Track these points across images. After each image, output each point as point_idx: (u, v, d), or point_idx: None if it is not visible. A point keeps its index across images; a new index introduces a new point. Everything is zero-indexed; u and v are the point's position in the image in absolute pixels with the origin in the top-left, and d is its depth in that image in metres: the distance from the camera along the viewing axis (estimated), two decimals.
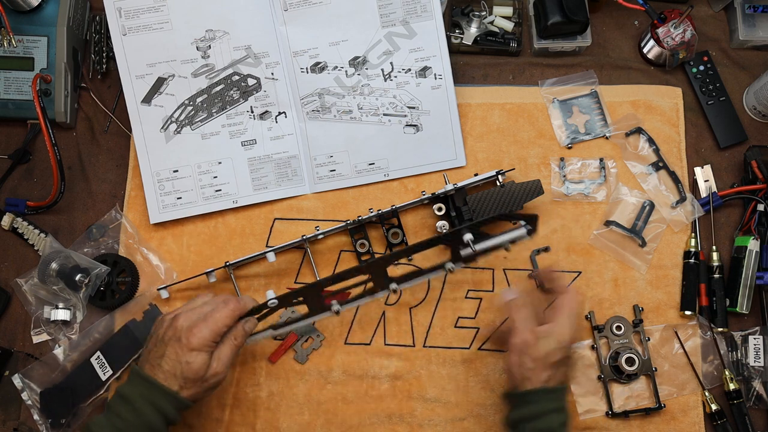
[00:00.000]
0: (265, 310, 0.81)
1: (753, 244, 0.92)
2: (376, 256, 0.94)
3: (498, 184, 0.93)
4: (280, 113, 0.97)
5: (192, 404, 0.74)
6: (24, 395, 0.89)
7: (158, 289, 0.91)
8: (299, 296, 0.82)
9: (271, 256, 0.91)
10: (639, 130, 0.98)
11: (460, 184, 0.92)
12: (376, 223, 0.95)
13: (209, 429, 0.89)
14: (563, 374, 0.76)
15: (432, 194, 0.94)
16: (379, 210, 0.94)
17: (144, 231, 0.96)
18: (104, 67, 1.00)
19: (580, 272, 0.94)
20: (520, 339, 0.76)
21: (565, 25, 0.98)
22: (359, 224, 0.94)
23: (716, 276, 0.93)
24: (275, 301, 0.80)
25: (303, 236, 0.92)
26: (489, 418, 0.90)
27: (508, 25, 1.02)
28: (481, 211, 0.91)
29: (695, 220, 0.95)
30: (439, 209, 0.93)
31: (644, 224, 0.95)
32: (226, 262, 0.91)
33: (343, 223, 0.93)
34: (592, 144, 0.99)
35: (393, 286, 0.83)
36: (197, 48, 0.95)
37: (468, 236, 0.82)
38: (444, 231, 0.91)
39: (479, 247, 0.82)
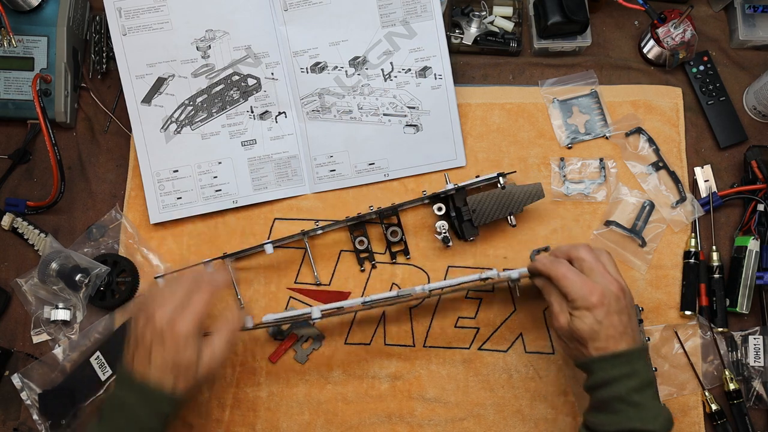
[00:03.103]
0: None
1: (753, 244, 0.92)
2: (375, 255, 0.95)
3: (499, 185, 0.93)
4: (280, 113, 0.97)
5: (189, 399, 0.72)
6: (23, 395, 0.88)
7: (156, 278, 0.91)
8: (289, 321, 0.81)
9: (269, 248, 0.91)
10: (639, 130, 0.98)
11: (461, 185, 0.92)
12: (376, 222, 0.95)
13: (209, 429, 0.89)
14: (621, 332, 0.72)
15: (432, 194, 0.94)
16: (379, 207, 0.94)
17: (144, 231, 0.96)
18: (104, 67, 1.00)
19: None
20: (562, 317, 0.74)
21: (565, 25, 0.98)
22: (359, 221, 0.94)
23: (716, 276, 0.93)
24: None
25: (302, 230, 0.92)
26: (489, 418, 0.90)
27: (508, 25, 1.02)
28: (482, 212, 0.91)
29: (695, 220, 0.95)
30: (439, 209, 0.93)
31: (644, 224, 0.95)
32: (224, 253, 0.91)
33: (343, 220, 0.93)
34: (592, 144, 0.99)
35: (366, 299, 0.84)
36: (197, 48, 0.95)
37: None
38: (443, 232, 0.91)
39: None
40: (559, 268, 0.75)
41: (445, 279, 0.94)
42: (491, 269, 0.82)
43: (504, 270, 0.93)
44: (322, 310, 0.82)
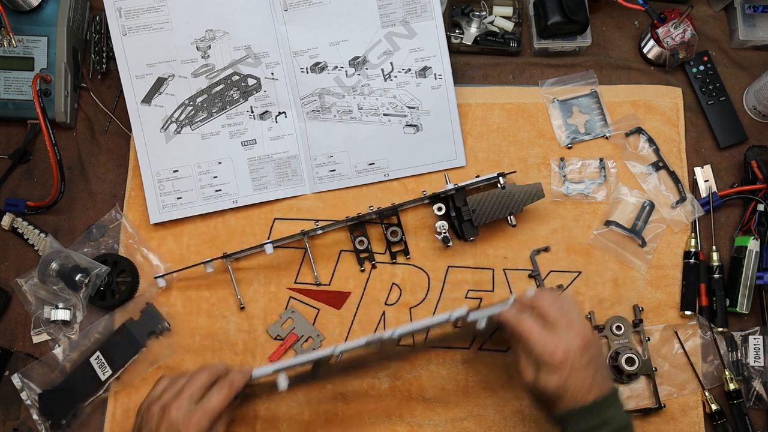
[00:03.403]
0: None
1: (753, 244, 0.92)
2: (375, 255, 0.95)
3: (499, 185, 0.93)
4: (280, 113, 0.97)
5: None
6: (23, 395, 0.88)
7: (156, 278, 0.91)
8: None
9: (269, 248, 0.91)
10: (639, 130, 0.98)
11: (461, 185, 0.92)
12: (376, 222, 0.95)
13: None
14: (589, 385, 0.71)
15: (432, 194, 0.94)
16: (379, 207, 0.94)
17: (144, 231, 0.96)
18: (104, 67, 1.00)
19: (580, 272, 0.94)
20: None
21: (565, 25, 0.98)
22: (359, 221, 0.94)
23: (716, 276, 0.93)
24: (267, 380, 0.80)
25: (302, 230, 0.92)
26: (489, 418, 0.90)
27: (508, 25, 1.02)
28: (482, 212, 0.91)
29: (695, 220, 0.95)
30: (439, 209, 0.93)
31: (644, 224, 0.95)
32: (224, 253, 0.91)
33: (343, 220, 0.93)
34: (592, 144, 0.99)
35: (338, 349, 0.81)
36: (197, 48, 0.95)
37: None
38: (443, 232, 0.91)
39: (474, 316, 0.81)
40: (524, 324, 0.73)
41: (444, 280, 0.94)
42: (462, 307, 0.80)
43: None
44: (288, 377, 0.79)
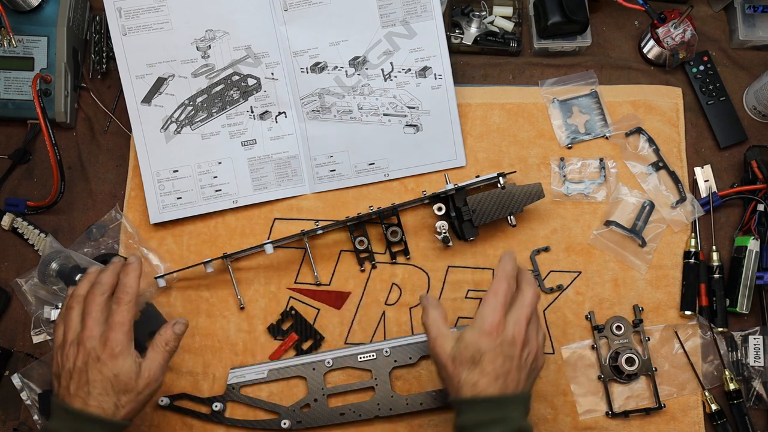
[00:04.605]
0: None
1: (753, 244, 0.92)
2: (375, 255, 0.95)
3: (499, 186, 0.93)
4: (280, 113, 0.97)
5: (130, 422, 0.71)
6: (23, 395, 0.88)
7: (156, 278, 0.91)
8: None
9: (269, 248, 0.91)
10: (639, 130, 0.98)
11: (461, 185, 0.92)
12: (376, 222, 0.95)
13: (210, 429, 0.89)
14: (497, 375, 0.68)
15: (432, 194, 0.94)
16: (379, 207, 0.94)
17: (144, 231, 0.96)
18: (104, 67, 1.00)
19: (580, 272, 0.94)
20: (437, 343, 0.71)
21: (565, 25, 0.98)
22: (359, 221, 0.94)
23: (716, 276, 0.93)
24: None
25: (302, 230, 0.92)
26: None
27: (508, 25, 1.02)
28: (482, 212, 0.91)
29: (695, 220, 0.95)
30: (439, 209, 0.93)
31: (644, 224, 0.95)
32: (224, 253, 0.91)
33: (343, 220, 0.93)
34: (592, 144, 0.99)
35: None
36: (197, 48, 0.95)
37: None
38: (443, 232, 0.91)
39: None
40: (500, 284, 0.71)
41: (444, 280, 0.94)
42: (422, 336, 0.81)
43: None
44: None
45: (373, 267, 0.95)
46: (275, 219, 0.96)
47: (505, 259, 0.74)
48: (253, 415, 0.89)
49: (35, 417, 0.88)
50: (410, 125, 0.97)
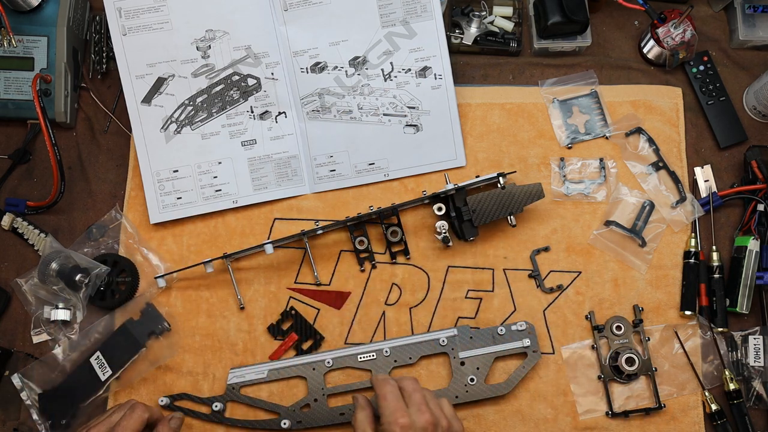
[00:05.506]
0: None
1: (753, 244, 0.92)
2: (375, 255, 0.95)
3: (499, 186, 0.93)
4: (280, 113, 0.97)
5: None
6: (23, 395, 0.88)
7: (156, 278, 0.91)
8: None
9: (269, 248, 0.91)
10: (639, 130, 0.98)
11: (461, 185, 0.92)
12: (376, 222, 0.95)
13: (210, 429, 0.89)
14: None
15: (432, 194, 0.94)
16: (379, 207, 0.94)
17: (144, 231, 0.96)
18: (104, 67, 1.00)
19: (580, 272, 0.94)
20: None
21: (565, 25, 0.98)
22: (358, 221, 0.94)
23: (716, 276, 0.93)
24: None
25: (302, 230, 0.92)
26: (489, 418, 0.90)
27: (508, 25, 1.02)
28: (482, 212, 0.91)
29: (695, 220, 0.95)
30: (439, 209, 0.93)
31: (644, 224, 0.95)
32: (224, 253, 0.91)
33: (343, 220, 0.93)
34: (592, 144, 0.99)
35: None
36: (197, 48, 0.95)
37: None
38: (443, 232, 0.91)
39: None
40: (386, 387, 0.76)
41: (444, 280, 0.94)
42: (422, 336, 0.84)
43: (504, 270, 0.94)
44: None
45: (373, 267, 0.95)
46: (275, 219, 0.96)
47: (373, 377, 0.80)
48: (253, 415, 0.89)
49: (35, 417, 0.88)
50: (410, 125, 0.97)
